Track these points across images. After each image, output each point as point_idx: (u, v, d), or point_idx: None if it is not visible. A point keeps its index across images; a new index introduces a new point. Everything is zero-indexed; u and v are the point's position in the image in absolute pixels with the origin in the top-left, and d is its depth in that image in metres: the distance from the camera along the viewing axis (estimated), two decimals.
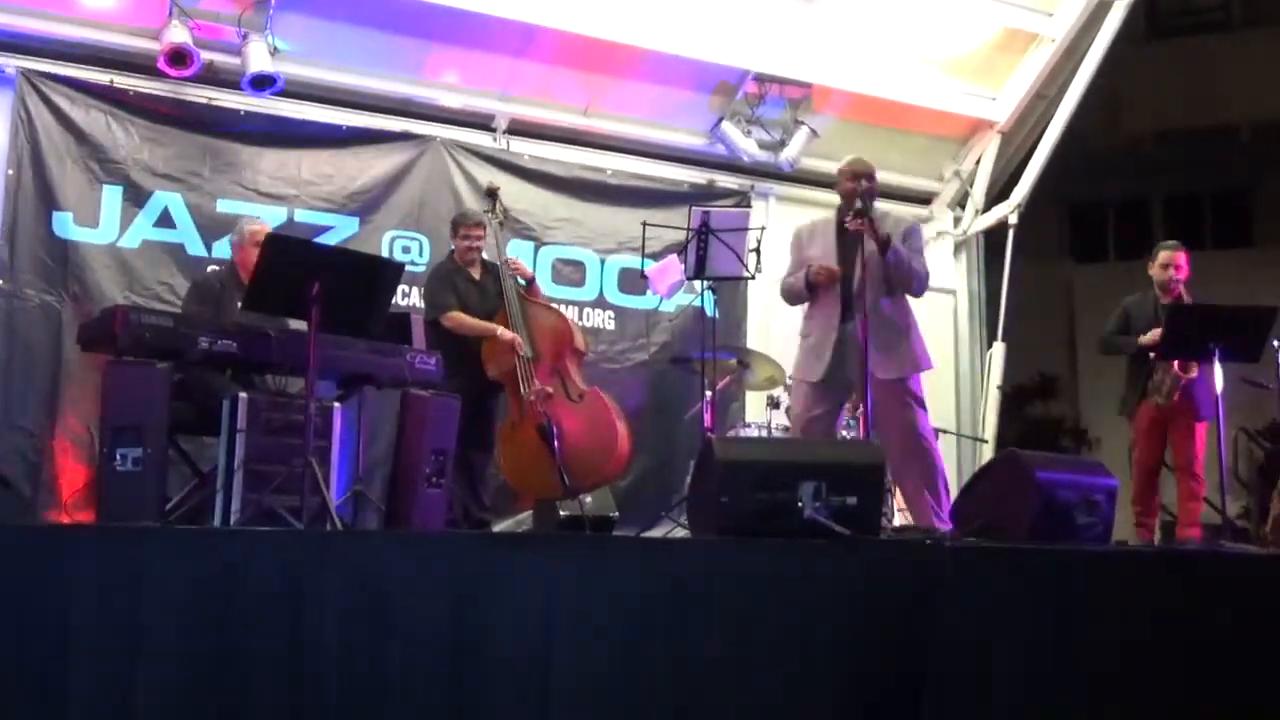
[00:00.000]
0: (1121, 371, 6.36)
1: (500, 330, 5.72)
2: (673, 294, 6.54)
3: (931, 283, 8.45)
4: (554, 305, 6.44)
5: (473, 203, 7.06)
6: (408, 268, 6.50)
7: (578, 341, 5.96)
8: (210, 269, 6.04)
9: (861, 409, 5.40)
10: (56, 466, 5.89)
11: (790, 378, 5.39)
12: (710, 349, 5.74)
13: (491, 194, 6.21)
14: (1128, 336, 6.15)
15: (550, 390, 5.65)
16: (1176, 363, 5.81)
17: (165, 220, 6.39)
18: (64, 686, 2.74)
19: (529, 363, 5.68)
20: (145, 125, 6.40)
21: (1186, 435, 6.02)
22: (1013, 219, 8.42)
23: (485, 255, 6.08)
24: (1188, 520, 6.02)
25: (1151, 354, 5.93)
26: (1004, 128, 8.39)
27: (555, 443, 5.49)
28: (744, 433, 6.89)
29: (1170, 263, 6.14)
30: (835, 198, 7.49)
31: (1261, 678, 3.48)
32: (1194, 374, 5.74)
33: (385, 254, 6.73)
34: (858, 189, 5.12)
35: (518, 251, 6.75)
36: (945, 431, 7.11)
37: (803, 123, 7.79)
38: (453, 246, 6.09)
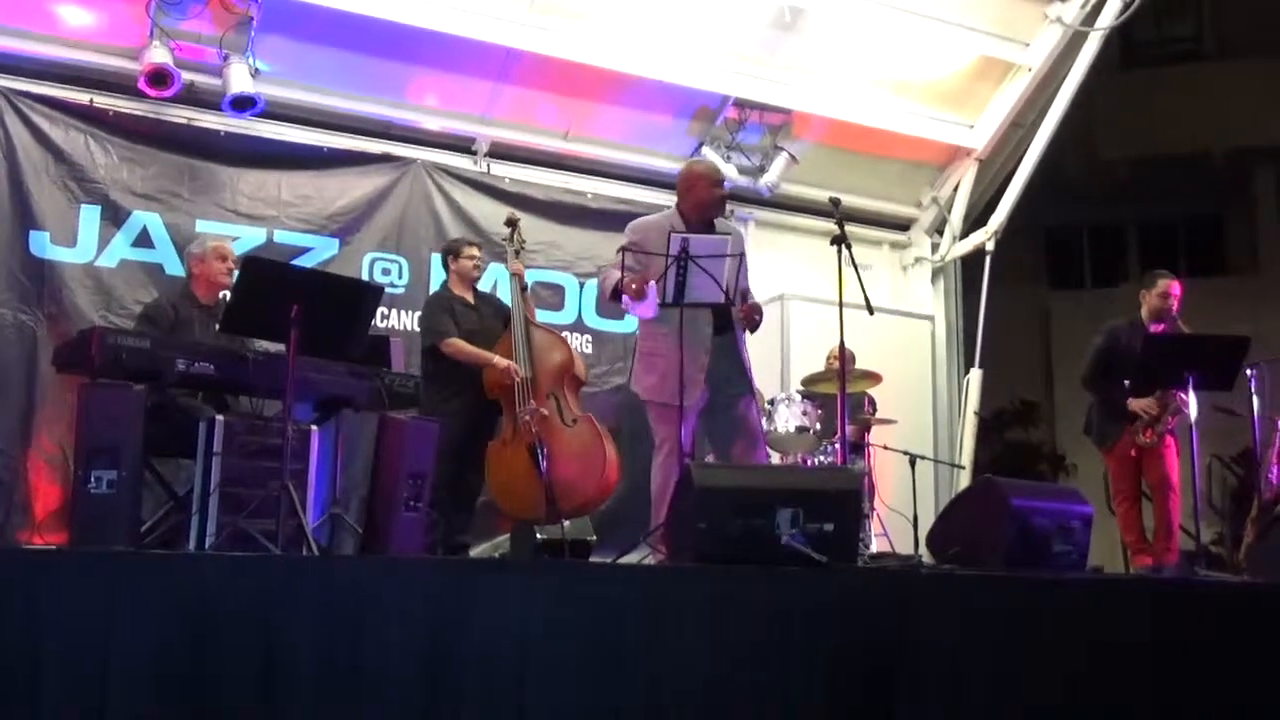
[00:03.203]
0: (1094, 400, 6.41)
1: (497, 359, 5.76)
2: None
3: (909, 309, 8.67)
4: (558, 332, 6.49)
5: (453, 225, 7.10)
6: (387, 290, 6.53)
7: (578, 369, 6.02)
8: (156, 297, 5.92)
9: (838, 435, 5.42)
10: (30, 487, 5.84)
11: (647, 399, 4.97)
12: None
13: (511, 224, 6.26)
14: (1117, 394, 6.13)
15: (545, 412, 5.67)
16: (1172, 404, 5.87)
17: (144, 240, 6.37)
18: (35, 710, 2.72)
19: (528, 383, 5.71)
20: (124, 145, 6.38)
21: (1159, 455, 6.08)
22: (990, 245, 8.49)
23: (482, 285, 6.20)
24: (1164, 546, 6.06)
25: (1128, 386, 5.97)
26: (981, 155, 8.47)
27: (544, 463, 5.51)
28: None
29: (1169, 292, 6.19)
30: (817, 223, 7.57)
31: (1234, 706, 3.50)
32: (1187, 411, 5.73)
33: (365, 276, 6.74)
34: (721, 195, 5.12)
35: (497, 274, 6.76)
36: (922, 457, 7.13)
37: (782, 148, 7.85)
38: (444, 275, 6.17)
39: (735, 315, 4.94)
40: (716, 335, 4.92)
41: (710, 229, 4.99)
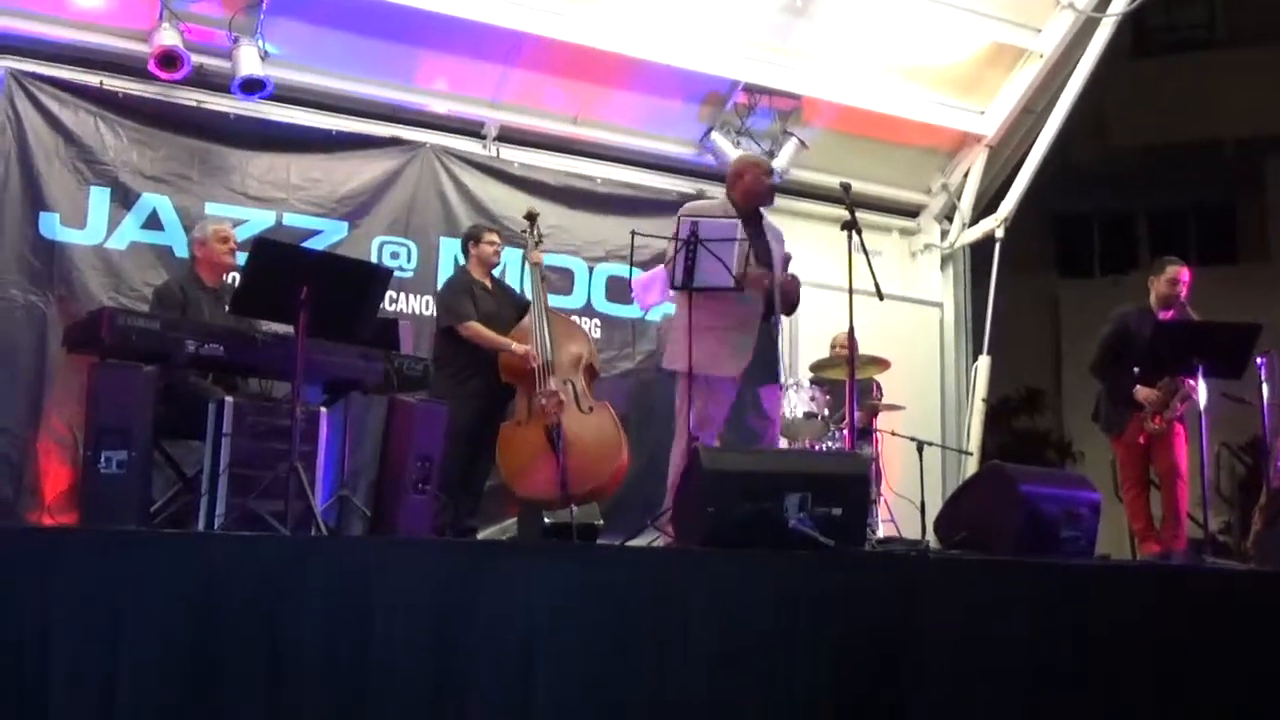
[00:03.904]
0: (1103, 387, 6.40)
1: (515, 345, 5.83)
2: (651, 308, 6.66)
3: (919, 295, 8.66)
4: (577, 321, 6.62)
5: (462, 210, 7.10)
6: (396, 274, 6.54)
7: (595, 361, 6.15)
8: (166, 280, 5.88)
9: (845, 419, 5.42)
10: (40, 468, 5.85)
11: (701, 371, 4.90)
12: None
13: (531, 218, 6.34)
14: (1126, 381, 6.13)
15: (562, 397, 5.71)
16: (1181, 390, 5.87)
17: (153, 222, 6.36)
18: (44, 688, 2.73)
19: (547, 367, 5.76)
20: (134, 127, 6.37)
21: (1168, 442, 6.07)
22: (999, 233, 8.46)
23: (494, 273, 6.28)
24: (1172, 533, 6.05)
25: (1136, 372, 5.96)
26: (992, 142, 8.44)
27: (560, 446, 5.57)
28: None
29: (1178, 279, 6.18)
30: (827, 209, 7.56)
31: (1242, 690, 3.50)
32: (1196, 397, 5.72)
33: (373, 259, 6.73)
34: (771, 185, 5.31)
35: (507, 258, 6.76)
36: (930, 444, 7.13)
37: (792, 134, 7.82)
38: (463, 260, 6.25)
39: (777, 283, 5.07)
40: (763, 321, 5.02)
41: (758, 218, 5.11)
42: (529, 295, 6.16)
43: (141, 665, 2.77)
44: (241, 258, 5.11)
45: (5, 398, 5.90)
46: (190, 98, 6.56)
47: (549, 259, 7.21)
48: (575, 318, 7.22)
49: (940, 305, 8.81)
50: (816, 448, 6.61)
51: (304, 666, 2.87)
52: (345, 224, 6.85)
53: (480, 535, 6.17)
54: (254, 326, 4.86)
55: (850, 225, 5.01)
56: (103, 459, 4.13)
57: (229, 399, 4.49)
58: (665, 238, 4.92)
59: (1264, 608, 3.67)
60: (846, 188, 5.22)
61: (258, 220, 6.55)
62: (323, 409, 4.78)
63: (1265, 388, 5.79)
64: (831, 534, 3.53)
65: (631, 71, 7.36)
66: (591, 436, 5.72)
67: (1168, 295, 6.18)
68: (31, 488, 5.82)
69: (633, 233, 5.31)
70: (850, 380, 5.19)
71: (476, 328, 5.86)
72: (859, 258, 4.96)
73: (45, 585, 2.78)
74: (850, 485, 3.76)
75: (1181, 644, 3.49)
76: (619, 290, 7.38)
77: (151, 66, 6.25)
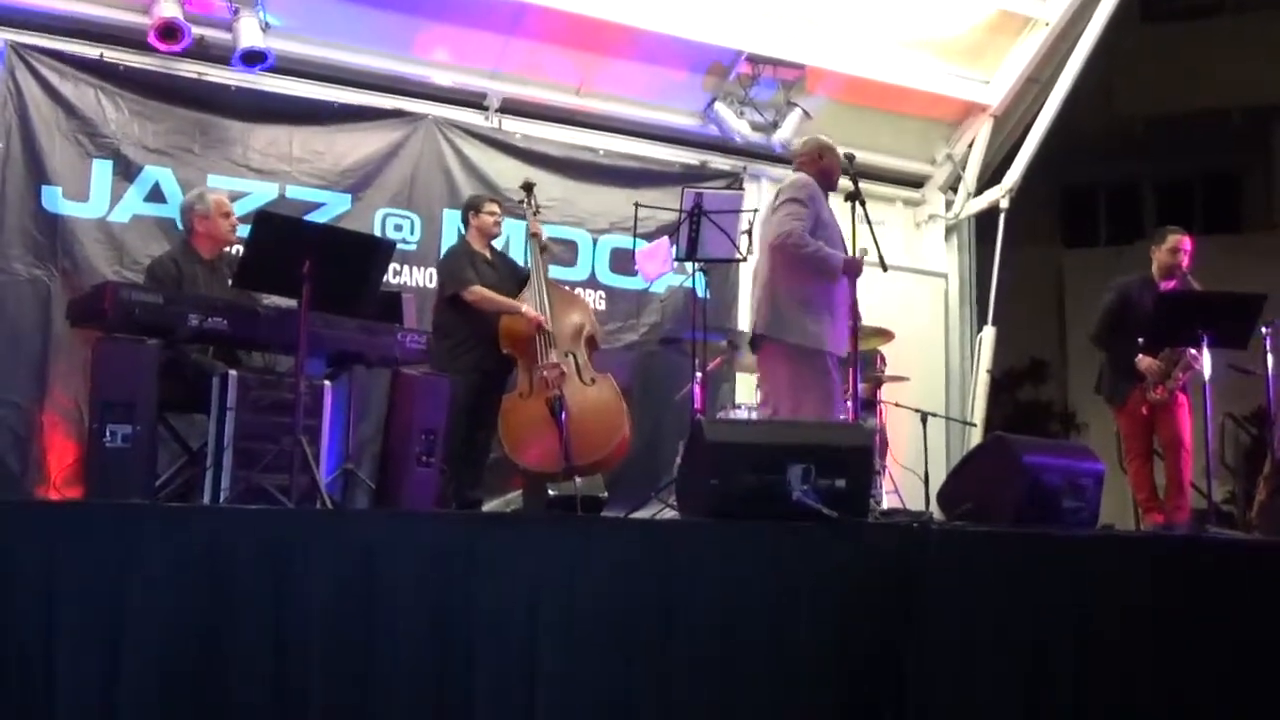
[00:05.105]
0: (1105, 358, 6.39)
1: (526, 307, 5.84)
2: (654, 280, 6.65)
3: (923, 266, 8.64)
4: (578, 293, 6.62)
5: (465, 181, 7.09)
6: (399, 246, 6.53)
7: (596, 332, 6.15)
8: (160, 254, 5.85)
9: (850, 392, 5.42)
10: (45, 442, 5.88)
11: (831, 350, 5.01)
12: (701, 330, 5.76)
13: (527, 188, 6.34)
14: (1128, 351, 6.12)
15: (564, 369, 5.72)
16: (1182, 359, 5.87)
17: (156, 195, 6.36)
18: (49, 661, 2.74)
19: (549, 338, 5.77)
20: (136, 100, 6.36)
21: (1171, 412, 6.07)
22: (1004, 203, 8.43)
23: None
24: (1175, 503, 6.06)
25: (1141, 343, 5.95)
26: (997, 111, 8.40)
27: (563, 417, 5.59)
28: (734, 415, 6.90)
29: (1180, 247, 6.16)
30: None
31: (1242, 663, 3.51)
32: (1198, 367, 5.72)
33: (377, 232, 6.73)
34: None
35: (510, 230, 6.75)
36: (934, 415, 7.13)
37: (796, 104, 7.78)
38: (463, 230, 6.24)
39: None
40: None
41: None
42: (530, 267, 6.15)
43: (147, 637, 2.78)
44: (243, 230, 5.10)
45: (10, 372, 5.92)
46: (191, 70, 6.54)
47: (552, 230, 7.21)
48: (579, 290, 7.21)
49: (945, 276, 8.79)
50: None
51: (309, 638, 2.88)
52: (348, 196, 6.84)
53: (485, 507, 6.20)
54: (256, 300, 4.86)
55: (854, 196, 5.00)
56: (108, 433, 4.13)
57: (233, 373, 4.48)
58: (669, 209, 4.90)
59: (1267, 578, 3.68)
60: (850, 158, 5.20)
61: (260, 193, 6.54)
62: (327, 382, 4.78)
63: (1270, 358, 5.78)
64: (835, 506, 3.53)
65: (634, 41, 7.32)
66: (593, 408, 5.74)
67: (1169, 265, 6.17)
68: (37, 462, 5.85)
69: (636, 204, 5.29)
70: (854, 351, 5.18)
71: (481, 291, 5.85)
72: (863, 228, 4.95)
73: (51, 558, 2.79)
74: (854, 457, 3.75)
75: (1184, 613, 3.50)
76: (623, 262, 7.37)
77: (152, 38, 6.24)
